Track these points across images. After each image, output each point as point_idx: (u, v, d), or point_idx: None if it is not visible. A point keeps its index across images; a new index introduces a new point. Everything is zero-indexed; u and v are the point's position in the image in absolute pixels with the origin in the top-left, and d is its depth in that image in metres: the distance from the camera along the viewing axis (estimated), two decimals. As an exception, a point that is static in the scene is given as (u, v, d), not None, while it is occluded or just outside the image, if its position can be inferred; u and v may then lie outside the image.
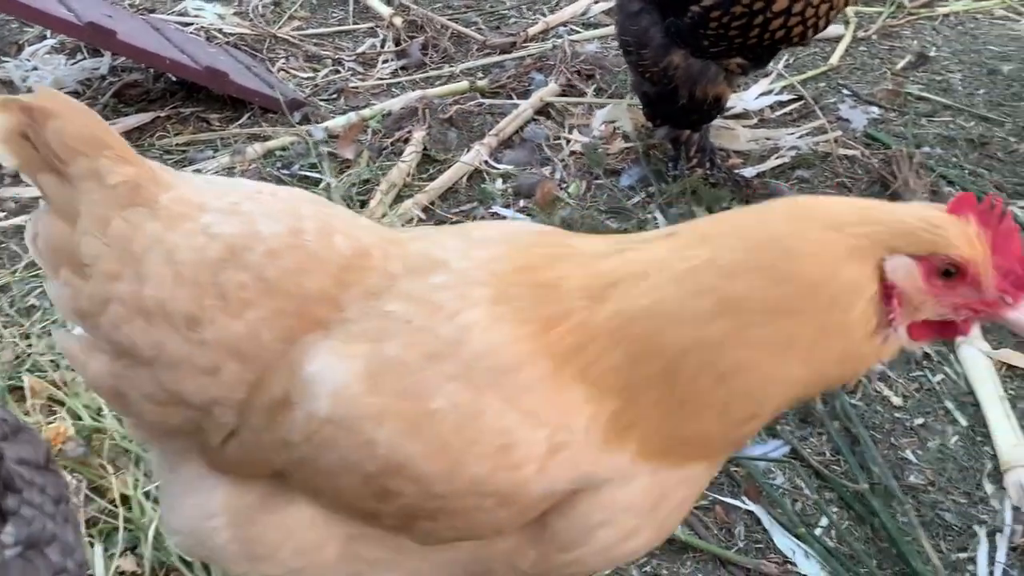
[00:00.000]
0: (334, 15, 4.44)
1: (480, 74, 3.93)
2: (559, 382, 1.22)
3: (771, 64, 3.89)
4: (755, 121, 3.60)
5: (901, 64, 4.01)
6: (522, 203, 3.14)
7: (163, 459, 1.45)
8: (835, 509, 2.13)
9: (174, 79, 3.67)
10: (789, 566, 1.98)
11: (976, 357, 2.48)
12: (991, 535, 2.08)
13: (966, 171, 3.30)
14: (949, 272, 1.19)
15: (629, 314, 1.22)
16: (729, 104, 3.62)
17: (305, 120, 3.55)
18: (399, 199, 3.09)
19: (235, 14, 4.38)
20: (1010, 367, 2.50)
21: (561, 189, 3.20)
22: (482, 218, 3.06)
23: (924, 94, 3.77)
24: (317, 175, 3.18)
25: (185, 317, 1.27)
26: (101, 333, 1.32)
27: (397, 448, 1.21)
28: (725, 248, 1.23)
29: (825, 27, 2.83)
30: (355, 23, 4.34)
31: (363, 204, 3.04)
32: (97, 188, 1.30)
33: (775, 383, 1.21)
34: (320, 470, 1.26)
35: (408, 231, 1.47)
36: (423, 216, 3.06)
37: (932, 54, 4.09)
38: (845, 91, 3.81)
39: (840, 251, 1.18)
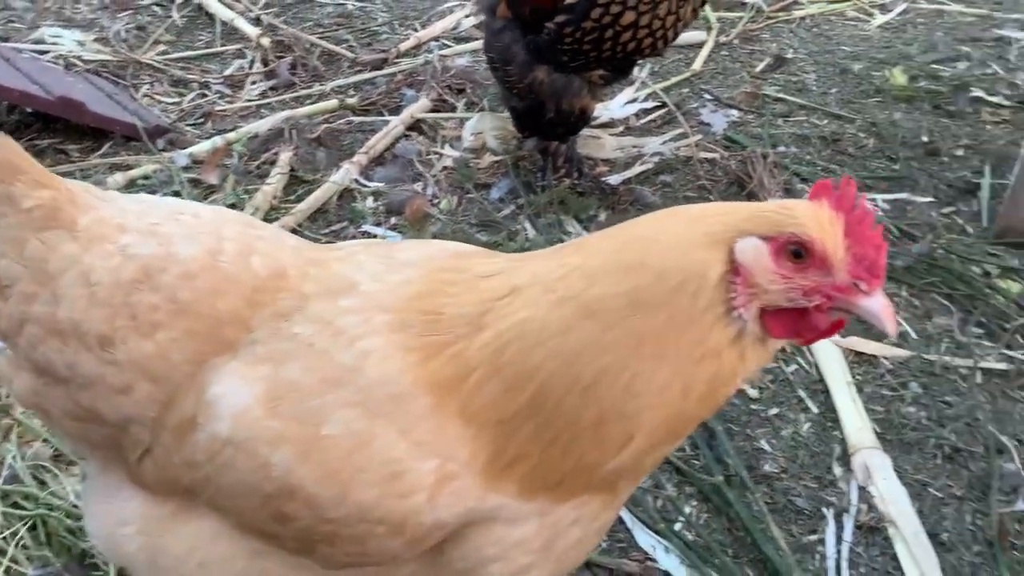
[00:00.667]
0: (200, 38, 4.36)
1: (352, 91, 3.92)
2: (443, 415, 1.22)
3: (636, 72, 4.02)
4: (621, 129, 3.70)
5: (760, 67, 4.18)
6: (393, 220, 3.15)
7: (90, 467, 1.49)
8: (695, 503, 2.21)
9: (29, 110, 3.55)
10: (650, 562, 2.05)
11: (826, 346, 2.61)
12: (839, 516, 2.19)
13: (819, 168, 3.46)
14: (799, 254, 1.16)
15: (503, 338, 1.20)
16: (596, 113, 3.73)
17: (170, 146, 3.48)
18: (266, 222, 3.06)
19: (96, 40, 4.26)
20: (857, 353, 2.64)
21: (433, 205, 3.22)
22: (352, 237, 3.05)
23: (781, 95, 3.95)
24: (181, 203, 3.12)
25: (98, 337, 1.30)
26: (20, 352, 1.36)
27: (291, 472, 1.22)
28: (590, 252, 1.23)
29: (674, 39, 2.94)
30: (222, 45, 4.28)
31: (230, 230, 3.00)
32: (12, 212, 1.33)
33: (640, 391, 1.17)
34: (223, 490, 1.28)
35: (341, 249, 1.45)
36: (292, 239, 3.03)
37: (789, 56, 4.29)
38: (707, 96, 3.95)
39: (693, 239, 1.17)
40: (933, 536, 2.14)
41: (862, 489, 2.25)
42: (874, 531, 2.16)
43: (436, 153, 3.51)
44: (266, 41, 4.15)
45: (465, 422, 1.21)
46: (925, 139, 3.65)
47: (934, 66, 4.16)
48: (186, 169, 3.30)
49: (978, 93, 3.94)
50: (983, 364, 2.58)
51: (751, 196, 3.25)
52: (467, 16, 4.51)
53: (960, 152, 3.59)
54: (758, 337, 1.20)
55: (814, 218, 1.15)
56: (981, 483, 2.26)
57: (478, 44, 4.17)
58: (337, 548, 1.26)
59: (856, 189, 1.17)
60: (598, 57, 2.89)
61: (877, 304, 1.17)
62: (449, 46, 4.30)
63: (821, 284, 1.17)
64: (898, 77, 4.00)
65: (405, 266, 1.35)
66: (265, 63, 4.08)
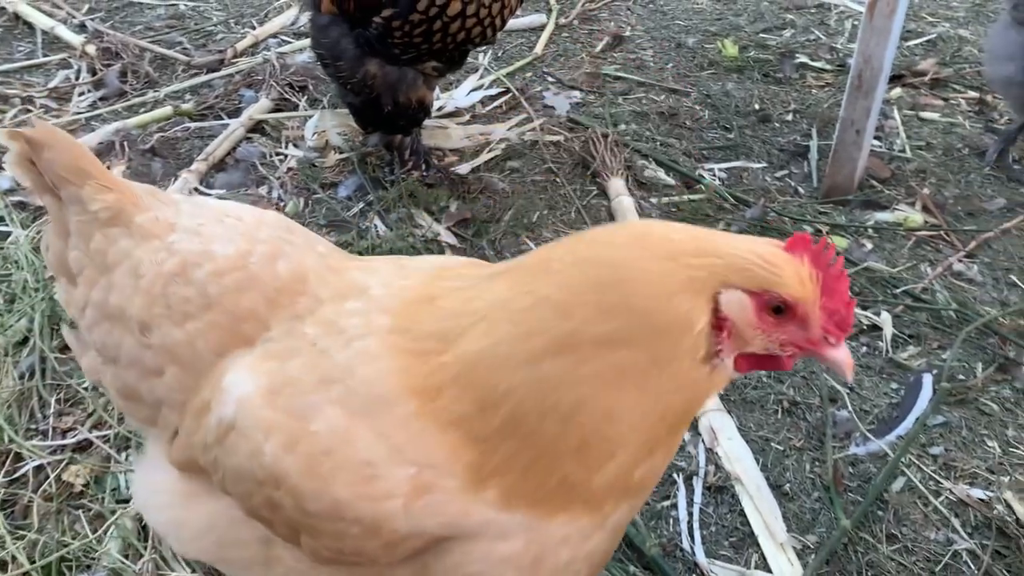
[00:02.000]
0: (20, 49, 4.12)
1: (187, 96, 3.79)
2: (424, 423, 1.23)
3: (480, 59, 4.05)
4: (467, 118, 3.72)
5: (599, 47, 4.28)
6: (238, 228, 3.06)
7: (145, 441, 1.63)
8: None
9: None
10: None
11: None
12: (688, 479, 2.29)
13: (658, 143, 3.58)
14: (779, 309, 1.21)
15: (470, 359, 1.21)
16: (441, 103, 3.73)
17: (-9, 168, 3.27)
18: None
19: (-100, 58, 3.96)
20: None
21: (279, 208, 3.16)
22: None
23: (620, 73, 4.05)
24: (6, 228, 2.95)
25: (139, 323, 1.44)
26: (83, 332, 1.54)
27: (278, 460, 1.28)
28: (561, 284, 1.20)
29: (503, 25, 2.97)
30: (45, 55, 4.05)
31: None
32: (82, 211, 1.50)
33: (620, 419, 1.19)
34: (228, 474, 1.36)
35: (361, 260, 1.52)
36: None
37: (627, 34, 4.40)
38: (550, 79, 4.01)
39: (675, 282, 1.17)
40: (777, 487, 2.28)
41: (709, 451, 2.36)
42: (722, 490, 2.27)
43: (280, 154, 3.44)
44: (92, 49, 3.96)
45: (443, 430, 1.22)
46: (757, 107, 3.83)
47: (762, 35, 4.36)
48: (10, 192, 3.11)
49: (803, 59, 4.16)
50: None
51: (595, 176, 3.34)
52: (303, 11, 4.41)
53: (789, 117, 3.78)
54: (729, 370, 1.26)
55: (798, 277, 1.20)
56: (818, 432, 2.41)
57: (318, 39, 4.10)
58: (319, 542, 1.29)
59: (834, 249, 1.23)
60: (430, 49, 2.89)
61: (842, 356, 1.25)
62: (288, 42, 4.21)
63: (795, 337, 1.24)
64: (729, 48, 4.17)
65: (413, 273, 1.41)
66: (93, 72, 3.89)
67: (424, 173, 3.30)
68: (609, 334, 1.16)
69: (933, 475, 2.29)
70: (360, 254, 2.84)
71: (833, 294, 1.22)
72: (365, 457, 1.23)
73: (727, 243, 1.21)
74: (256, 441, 1.30)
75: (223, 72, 3.94)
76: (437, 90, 3.76)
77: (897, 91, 3.95)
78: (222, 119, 3.62)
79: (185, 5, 4.53)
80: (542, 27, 4.37)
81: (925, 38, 4.37)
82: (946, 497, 2.24)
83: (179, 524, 1.51)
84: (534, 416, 1.18)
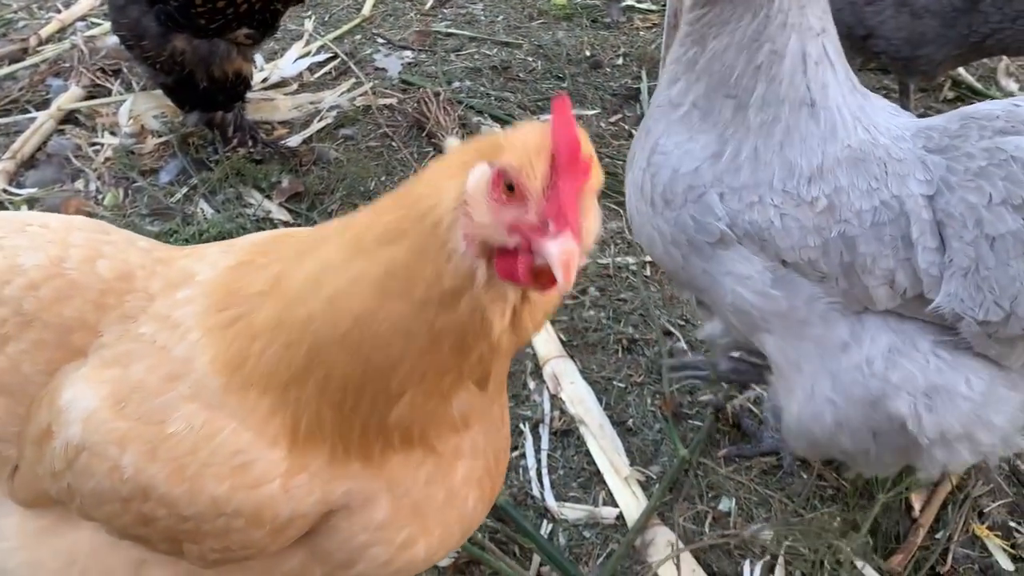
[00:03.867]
0: None
1: (-11, 91, 3.52)
2: (236, 392, 1.20)
3: (306, 25, 3.92)
4: (295, 87, 3.60)
5: (428, 3, 4.20)
6: (54, 226, 2.88)
7: None
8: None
9: None
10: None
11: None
12: (535, 427, 2.32)
13: (492, 98, 3.56)
14: (512, 187, 1.04)
15: (284, 301, 1.18)
16: (265, 74, 3.60)
17: None
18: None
19: None
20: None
21: (97, 203, 2.99)
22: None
23: (451, 30, 4.00)
24: None
25: None
26: None
27: (141, 471, 1.21)
28: (365, 215, 1.19)
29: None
30: None
31: None
32: None
33: (389, 340, 1.11)
34: (86, 498, 1.27)
35: (190, 248, 1.44)
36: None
37: (457, -11, 4.33)
38: (380, 40, 3.92)
39: (449, 168, 1.10)
40: (620, 424, 2.33)
41: (553, 397, 2.39)
42: (568, 433, 2.31)
43: (95, 145, 3.25)
44: None
45: (256, 395, 1.20)
46: (588, 53, 3.85)
47: (589, -19, 4.37)
48: None
49: (630, 2, 4.20)
50: (649, 258, 2.80)
51: (431, 136, 3.30)
52: (114, -11, 4.15)
53: (620, 61, 3.83)
54: (493, 284, 1.08)
55: (522, 146, 1.04)
56: (656, 367, 2.48)
57: (130, 18, 3.87)
58: (203, 545, 1.25)
59: (573, 117, 1.03)
60: (236, 13, 2.77)
61: (556, 250, 1.01)
62: (98, 24, 3.95)
63: (519, 221, 1.04)
64: (557, -3, 4.17)
65: (239, 248, 1.35)
66: None
67: (251, 149, 3.18)
68: (386, 227, 1.10)
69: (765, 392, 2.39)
70: (187, 242, 2.73)
71: (567, 174, 1.02)
72: (232, 448, 1.20)
73: (512, 131, 1.10)
74: (112, 457, 1.22)
75: (27, 62, 3.67)
76: (260, 60, 3.63)
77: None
78: (29, 112, 3.38)
79: (-20, -8, 4.19)
80: (369, -12, 4.26)
81: (745, -27, 4.48)
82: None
83: (34, 566, 1.38)
84: (327, 345, 1.13)
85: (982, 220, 1.62)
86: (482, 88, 3.62)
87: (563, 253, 1.00)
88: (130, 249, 1.40)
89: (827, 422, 1.78)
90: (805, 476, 2.21)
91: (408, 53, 3.83)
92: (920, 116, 1.97)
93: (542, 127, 1.06)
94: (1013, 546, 2.09)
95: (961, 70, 3.64)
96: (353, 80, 3.61)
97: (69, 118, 3.37)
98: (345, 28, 3.96)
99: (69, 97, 3.42)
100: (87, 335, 1.31)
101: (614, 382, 2.45)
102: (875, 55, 3.08)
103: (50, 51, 3.75)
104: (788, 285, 1.73)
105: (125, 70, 3.61)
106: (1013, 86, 3.71)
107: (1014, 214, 1.60)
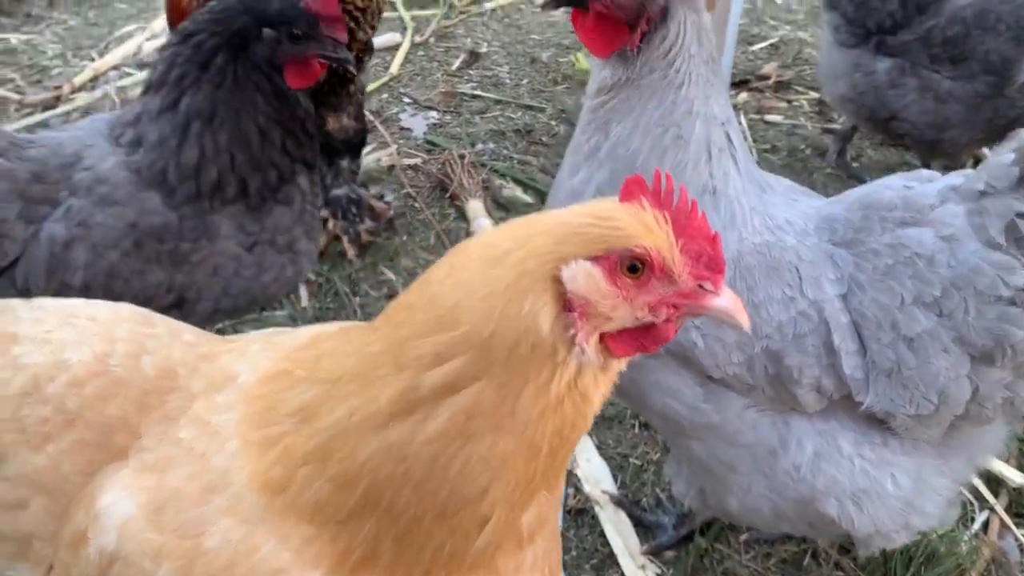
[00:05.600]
0: None
1: (21, 138, 3.58)
2: (276, 515, 1.13)
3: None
4: (321, 144, 3.64)
5: (456, 64, 4.27)
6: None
7: None
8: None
9: None
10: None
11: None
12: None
13: (515, 161, 3.60)
14: (635, 267, 1.03)
15: (327, 433, 1.10)
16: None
17: None
18: None
19: None
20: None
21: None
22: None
23: (476, 92, 4.05)
24: None
25: None
26: None
27: None
28: (394, 337, 1.08)
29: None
30: None
31: None
32: None
33: (478, 473, 1.05)
34: None
35: (234, 342, 1.37)
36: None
37: (483, 50, 4.40)
38: (406, 99, 3.98)
39: (506, 287, 1.02)
40: (636, 503, 2.31)
41: (570, 473, 2.38)
42: (583, 512, 2.29)
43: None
44: (-91, 91, 3.70)
45: (298, 521, 1.12)
46: (611, 119, 3.88)
47: (615, 47, 4.43)
48: None
49: (654, 69, 4.25)
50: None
51: (453, 198, 3.33)
52: (148, 39, 4.24)
53: (643, 128, 3.85)
54: (600, 366, 1.07)
55: (640, 224, 1.02)
56: (673, 444, 2.46)
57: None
58: None
59: (672, 180, 1.04)
60: None
61: (727, 302, 1.05)
62: (131, 74, 4.03)
63: (666, 296, 1.05)
64: (582, 61, 4.22)
65: (278, 347, 1.27)
66: (-88, 117, 3.64)
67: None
68: (448, 378, 1.02)
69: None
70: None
71: (690, 232, 1.04)
72: (272, 566, 1.13)
73: (552, 218, 1.06)
74: (146, 569, 1.17)
75: (59, 109, 3.75)
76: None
77: (743, 96, 4.08)
78: (59, 160, 3.43)
79: (17, 39, 4.29)
80: (397, 46, 4.33)
81: (768, 42, 4.54)
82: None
83: None
84: (391, 487, 1.07)
85: (897, 322, 1.63)
86: (505, 151, 3.66)
87: (735, 303, 1.06)
88: (174, 343, 1.36)
89: (766, 514, 1.84)
90: (821, 565, 2.18)
91: (433, 113, 3.88)
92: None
93: (631, 208, 1.04)
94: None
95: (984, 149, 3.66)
96: (379, 140, 3.65)
97: (98, 168, 3.42)
98: (373, 86, 4.01)
99: (99, 147, 3.47)
100: (128, 436, 1.27)
101: (630, 459, 2.43)
102: (899, 136, 3.10)
103: (82, 99, 3.82)
104: (719, 400, 1.74)
105: (155, 122, 3.67)
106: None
107: (927, 312, 1.60)
